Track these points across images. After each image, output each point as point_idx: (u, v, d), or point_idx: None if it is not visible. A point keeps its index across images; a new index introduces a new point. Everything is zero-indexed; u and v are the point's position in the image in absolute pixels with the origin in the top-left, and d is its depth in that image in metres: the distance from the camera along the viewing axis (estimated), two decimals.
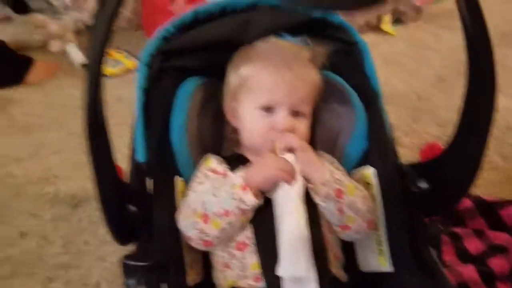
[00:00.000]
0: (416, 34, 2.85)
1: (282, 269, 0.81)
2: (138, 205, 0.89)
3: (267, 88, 0.96)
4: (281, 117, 0.95)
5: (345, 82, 1.07)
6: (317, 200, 0.88)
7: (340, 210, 0.87)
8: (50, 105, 2.14)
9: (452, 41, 2.69)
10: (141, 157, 0.95)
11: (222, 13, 1.05)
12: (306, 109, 0.99)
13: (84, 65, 2.39)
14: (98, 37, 0.69)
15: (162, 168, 0.95)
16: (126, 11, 2.85)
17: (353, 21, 2.71)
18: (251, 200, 0.83)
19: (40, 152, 1.81)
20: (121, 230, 0.86)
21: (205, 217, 0.85)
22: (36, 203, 1.56)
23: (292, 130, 0.95)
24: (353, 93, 1.05)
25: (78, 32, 2.69)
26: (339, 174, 0.90)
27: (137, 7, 2.88)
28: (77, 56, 2.44)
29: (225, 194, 0.84)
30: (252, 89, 0.97)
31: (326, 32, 1.08)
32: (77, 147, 1.78)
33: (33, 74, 2.29)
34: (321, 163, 0.89)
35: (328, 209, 0.88)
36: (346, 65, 1.09)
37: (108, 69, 2.35)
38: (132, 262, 0.83)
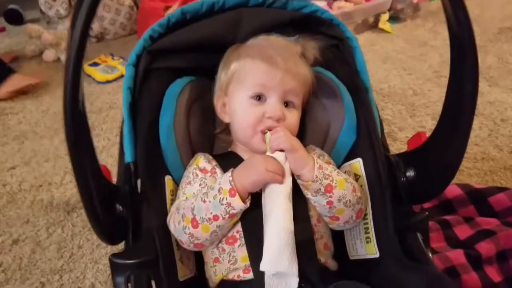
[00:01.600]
0: (414, 31, 2.87)
1: (265, 265, 0.81)
2: (126, 205, 0.88)
3: (258, 74, 0.95)
4: (272, 104, 0.94)
5: (336, 76, 1.07)
6: (307, 195, 0.89)
7: (330, 204, 0.88)
8: (44, 113, 2.15)
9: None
10: (128, 157, 0.94)
11: (210, 11, 1.04)
12: (297, 100, 0.98)
13: None
14: (78, 27, 0.67)
15: (151, 168, 0.93)
16: (121, 17, 2.86)
17: (352, 20, 2.74)
18: (239, 205, 0.82)
19: (34, 159, 1.81)
20: (108, 230, 0.85)
21: (195, 222, 0.84)
22: (30, 210, 1.56)
23: (283, 119, 0.94)
24: (342, 87, 1.04)
25: None
26: (329, 168, 0.89)
27: (132, 13, 2.90)
28: None
29: (213, 199, 0.83)
30: (243, 79, 0.97)
31: (316, 28, 1.08)
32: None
33: (6, 86, 2.25)
34: (311, 160, 0.88)
35: (318, 202, 0.89)
36: (337, 60, 1.09)
37: (103, 75, 2.36)
38: (120, 260, 0.82)
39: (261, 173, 0.84)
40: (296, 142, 0.90)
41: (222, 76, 1.02)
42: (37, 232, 1.47)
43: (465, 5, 0.71)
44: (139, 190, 0.91)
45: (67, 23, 2.75)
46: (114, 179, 0.98)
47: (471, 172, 1.67)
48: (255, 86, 0.95)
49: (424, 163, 0.92)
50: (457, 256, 1.22)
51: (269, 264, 0.81)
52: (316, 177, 0.85)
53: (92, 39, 2.81)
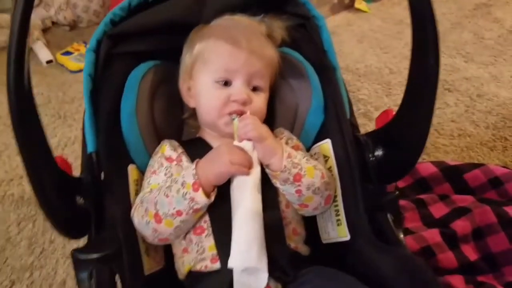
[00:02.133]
0: (391, 10, 2.84)
1: (233, 261, 0.78)
2: (88, 197, 0.86)
3: (222, 57, 0.93)
4: (237, 87, 0.92)
5: (302, 56, 1.04)
6: (276, 184, 0.86)
7: (299, 192, 0.86)
8: None
9: None
10: (90, 147, 0.91)
11: None
12: (263, 83, 0.96)
13: (48, 62, 2.34)
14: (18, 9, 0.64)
15: (113, 157, 0.90)
16: (94, 4, 2.80)
17: (327, 0, 2.71)
18: (202, 200, 0.80)
19: (5, 153, 1.77)
20: (66, 223, 0.82)
21: (158, 217, 0.81)
22: (0, 205, 1.52)
23: (249, 102, 0.92)
24: (309, 67, 1.02)
25: (45, 30, 2.66)
26: (298, 156, 0.87)
27: (105, 0, 2.84)
28: (44, 54, 2.39)
29: (176, 194, 0.80)
30: (207, 61, 0.94)
31: (282, 7, 1.05)
32: None
33: None
34: (279, 149, 0.85)
35: (287, 191, 0.87)
36: (303, 40, 1.06)
37: (76, 64, 2.31)
38: (82, 255, 0.79)
39: (226, 166, 0.81)
40: (265, 130, 0.87)
41: (186, 58, 0.99)
42: (7, 228, 1.44)
43: None
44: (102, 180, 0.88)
45: (39, 12, 2.68)
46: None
47: (448, 149, 1.67)
48: (219, 70, 0.93)
49: (391, 140, 0.90)
50: (432, 235, 1.21)
51: (238, 259, 0.78)
52: (285, 167, 0.83)
53: (65, 27, 2.75)
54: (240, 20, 0.99)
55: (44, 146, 0.75)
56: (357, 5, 2.83)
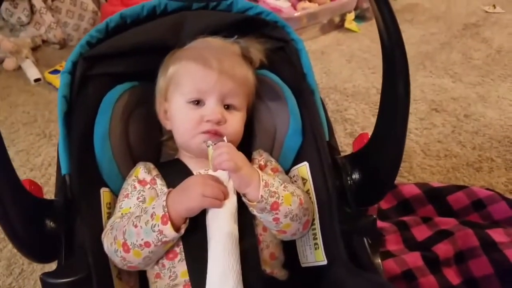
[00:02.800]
0: None
1: None
2: (58, 221, 0.84)
3: (193, 78, 0.92)
4: (210, 107, 0.91)
5: (281, 79, 1.04)
6: (253, 211, 0.85)
7: (276, 220, 0.84)
8: (1, 123, 2.07)
9: (415, 35, 2.71)
10: (64, 169, 0.90)
11: (151, 15, 1.01)
12: (237, 102, 0.95)
13: (36, 80, 2.33)
14: None
15: (85, 180, 0.89)
16: (85, 23, 2.81)
17: (317, 21, 2.72)
18: (171, 234, 0.78)
19: None
20: (34, 248, 0.80)
21: (126, 247, 0.80)
22: None
23: (223, 121, 0.91)
24: (286, 89, 1.02)
25: (35, 48, 2.65)
26: (276, 183, 0.85)
27: (96, 18, 2.85)
28: (32, 72, 2.39)
29: (145, 225, 0.78)
30: (180, 82, 0.94)
31: (261, 31, 1.04)
32: (25, 165, 1.73)
33: None
34: (255, 178, 0.83)
35: (264, 219, 0.86)
36: (282, 63, 1.06)
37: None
38: (51, 279, 0.77)
39: (197, 199, 0.79)
40: (241, 159, 0.84)
41: (160, 81, 0.99)
42: None
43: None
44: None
45: (29, 31, 2.69)
46: None
47: (434, 170, 1.66)
48: (191, 91, 0.92)
49: (367, 164, 0.89)
50: (414, 259, 1.20)
51: None
52: (262, 197, 0.81)
53: (55, 45, 2.75)
54: (213, 42, 0.98)
55: (7, 171, 0.74)
56: (347, 25, 2.85)
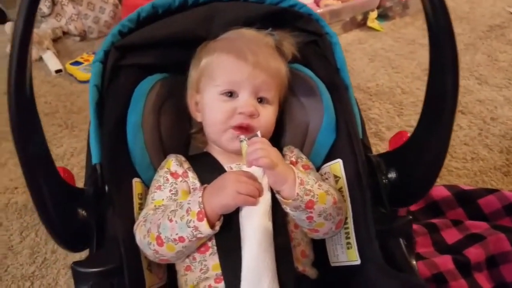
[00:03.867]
0: (403, 29, 2.81)
1: None
2: (90, 210, 0.83)
3: (226, 69, 0.91)
4: (244, 100, 0.90)
5: (314, 74, 1.02)
6: (286, 209, 0.83)
7: (310, 219, 0.83)
8: None
9: None
10: (95, 158, 0.89)
11: (183, 6, 1.00)
12: (270, 95, 0.93)
13: (57, 71, 2.33)
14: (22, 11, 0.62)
15: (117, 170, 0.88)
16: (105, 15, 2.81)
17: (340, 18, 2.70)
18: (206, 231, 0.77)
19: (11, 161, 1.75)
20: (67, 236, 0.80)
21: (160, 240, 0.78)
22: (4, 213, 1.50)
23: (256, 114, 0.90)
24: (321, 85, 1.00)
25: (55, 40, 2.66)
26: (311, 181, 0.83)
27: (117, 11, 2.84)
28: (53, 63, 2.39)
29: (180, 220, 0.77)
30: (213, 74, 0.92)
31: (294, 23, 1.03)
32: None
33: None
34: (291, 175, 0.81)
35: (297, 217, 0.84)
36: (315, 57, 1.04)
37: (85, 74, 2.30)
38: (83, 268, 0.76)
39: (232, 197, 0.77)
40: (276, 156, 0.82)
41: (193, 73, 0.98)
42: (9, 236, 1.41)
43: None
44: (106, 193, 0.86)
45: (50, 22, 2.69)
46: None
47: (460, 172, 1.63)
48: (224, 83, 0.90)
49: (405, 163, 0.87)
50: (445, 262, 1.17)
51: None
52: (297, 194, 0.79)
53: (75, 37, 2.75)
54: (246, 33, 0.97)
55: (45, 156, 0.73)
56: (369, 23, 2.81)
